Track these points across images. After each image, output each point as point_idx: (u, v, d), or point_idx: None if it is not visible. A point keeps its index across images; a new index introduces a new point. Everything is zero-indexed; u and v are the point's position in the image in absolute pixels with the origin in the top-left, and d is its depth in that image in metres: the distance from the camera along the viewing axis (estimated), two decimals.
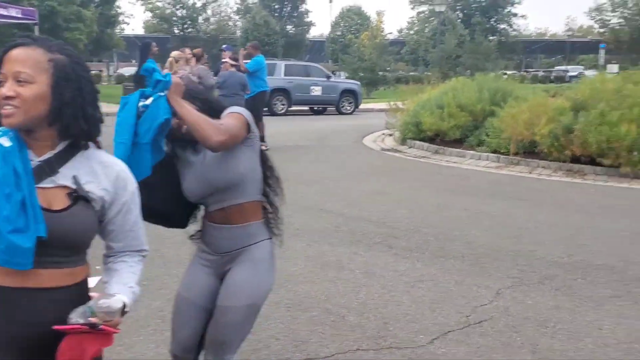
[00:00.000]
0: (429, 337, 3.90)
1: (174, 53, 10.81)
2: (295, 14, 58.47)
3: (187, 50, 10.99)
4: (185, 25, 55.32)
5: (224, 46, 12.81)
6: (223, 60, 11.53)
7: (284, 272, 5.05)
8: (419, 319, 4.18)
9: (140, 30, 65.79)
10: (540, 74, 52.23)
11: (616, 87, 10.03)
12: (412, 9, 65.18)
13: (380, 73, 35.41)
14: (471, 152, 11.41)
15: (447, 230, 6.42)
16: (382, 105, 18.72)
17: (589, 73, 35.72)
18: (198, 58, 10.87)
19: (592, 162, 9.62)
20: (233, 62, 11.22)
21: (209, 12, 58.26)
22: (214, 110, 2.44)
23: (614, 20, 65.28)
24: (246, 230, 2.51)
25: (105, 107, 1.95)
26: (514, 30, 67.02)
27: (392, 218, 6.86)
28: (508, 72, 50.59)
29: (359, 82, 25.83)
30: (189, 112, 2.22)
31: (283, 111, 21.50)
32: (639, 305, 4.45)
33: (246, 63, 11.77)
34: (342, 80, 27.75)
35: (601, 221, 6.85)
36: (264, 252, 2.56)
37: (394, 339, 3.88)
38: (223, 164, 2.41)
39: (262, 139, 12.21)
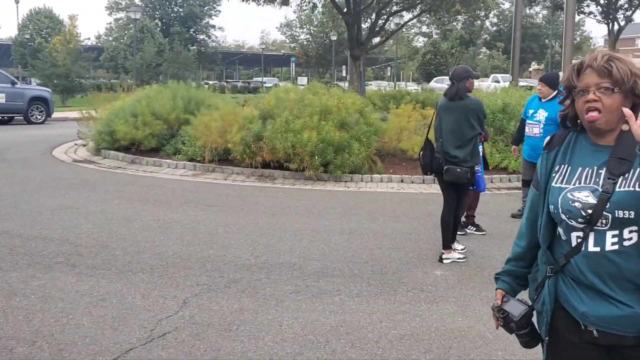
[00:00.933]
0: (109, 357, 3.67)
1: None
2: None
3: None
4: None
5: None
6: None
7: None
8: (99, 339, 3.91)
9: None
10: (240, 84, 54.68)
11: (298, 97, 10.86)
12: (110, 14, 63.00)
13: (77, 80, 33.32)
14: (168, 161, 11.32)
15: (136, 242, 6.20)
16: (77, 114, 17.56)
17: (283, 85, 38.47)
18: None
19: (281, 167, 10.28)
20: None
21: None
22: None
23: (302, 36, 71.64)
24: None
25: None
26: (213, 41, 69.11)
27: (77, 234, 6.39)
28: (210, 82, 52.05)
29: (49, 90, 23.86)
30: None
31: None
32: (315, 298, 4.80)
33: None
34: (31, 86, 25.38)
35: (285, 221, 7.32)
36: None
37: None
38: None
39: None
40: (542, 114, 7.22)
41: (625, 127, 1.92)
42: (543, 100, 7.28)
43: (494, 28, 70.59)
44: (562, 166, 2.06)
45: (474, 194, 6.82)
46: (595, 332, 1.98)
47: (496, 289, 2.30)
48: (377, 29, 21.83)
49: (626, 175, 1.89)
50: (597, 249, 1.92)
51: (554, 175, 2.07)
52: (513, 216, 7.67)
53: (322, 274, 5.40)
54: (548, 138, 2.20)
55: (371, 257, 5.93)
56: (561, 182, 2.03)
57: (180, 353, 3.77)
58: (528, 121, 7.39)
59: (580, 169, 2.00)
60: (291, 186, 9.80)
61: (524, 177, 7.74)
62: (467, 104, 5.70)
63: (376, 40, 23.79)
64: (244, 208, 8.02)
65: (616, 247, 1.90)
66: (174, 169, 10.99)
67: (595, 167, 1.97)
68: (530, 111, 7.37)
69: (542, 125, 7.21)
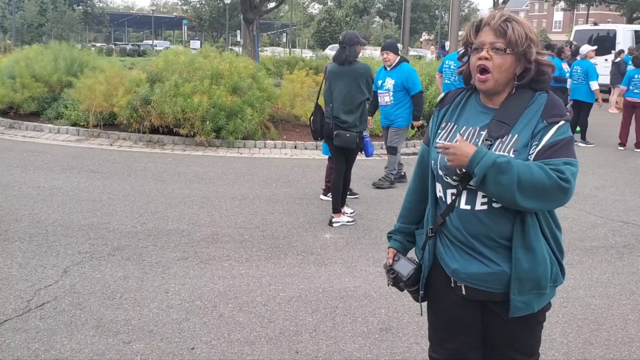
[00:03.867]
0: None
1: None
2: None
3: None
4: None
5: None
6: None
7: None
8: None
9: None
10: (129, 47, 52.32)
11: (188, 61, 10.55)
12: None
13: None
14: (50, 125, 10.69)
15: (13, 210, 5.85)
16: None
17: (174, 48, 37.26)
18: None
19: (171, 132, 9.99)
20: None
21: None
22: None
23: None
24: None
25: None
26: (100, 1, 65.64)
27: None
28: (97, 44, 49.46)
29: None
30: None
31: None
32: (204, 264, 4.75)
33: None
34: None
35: (174, 188, 7.15)
36: None
37: None
38: None
39: None
40: (389, 82, 7.46)
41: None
42: (388, 69, 7.49)
43: None
44: (449, 124, 2.11)
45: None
46: (463, 288, 2.07)
47: (388, 248, 2.36)
48: None
49: (504, 139, 1.95)
50: (468, 207, 2.00)
51: (439, 131, 2.12)
52: (374, 185, 7.65)
53: (211, 240, 5.35)
54: (442, 95, 2.23)
55: (262, 222, 5.93)
56: (444, 139, 2.08)
57: (60, 323, 3.62)
58: (379, 91, 7.56)
59: (464, 127, 2.05)
60: (181, 152, 9.57)
61: (386, 144, 7.87)
62: (356, 69, 5.77)
63: (271, 5, 23.50)
64: (130, 174, 7.75)
65: (485, 207, 1.98)
66: (56, 134, 10.41)
67: (478, 128, 2.02)
68: (379, 82, 7.57)
69: (391, 93, 7.45)
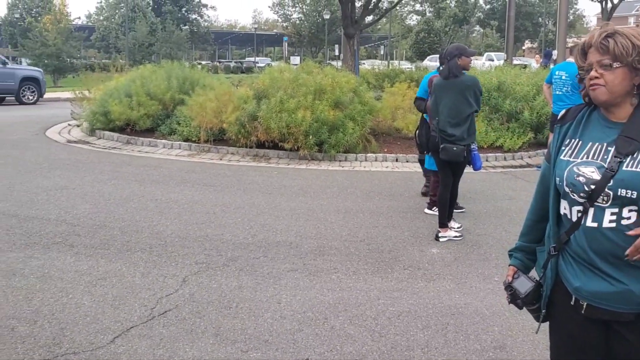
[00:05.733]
0: (110, 336, 3.71)
1: None
2: None
3: None
4: None
5: None
6: None
7: None
8: (100, 318, 3.95)
9: None
10: (232, 64, 54.34)
11: (292, 77, 10.83)
12: None
13: (68, 60, 33.06)
14: (163, 141, 11.30)
15: (134, 222, 6.23)
16: (70, 94, 17.47)
17: (276, 64, 38.29)
18: None
19: (276, 146, 10.29)
20: None
21: None
22: None
23: (295, 15, 71.18)
24: None
25: None
26: (205, 20, 68.57)
27: (74, 215, 6.40)
28: (202, 62, 51.73)
29: (41, 70, 23.67)
30: None
31: None
32: (313, 276, 4.85)
33: None
34: (22, 67, 25.21)
35: (281, 201, 7.35)
36: None
37: (71, 344, 3.60)
38: None
39: None
40: None
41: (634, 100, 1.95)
42: None
43: (488, 6, 70.28)
44: (573, 140, 2.07)
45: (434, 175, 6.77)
46: (585, 305, 2.02)
47: (509, 265, 2.34)
48: (371, 6, 21.67)
49: (635, 155, 1.90)
50: (595, 224, 1.95)
51: (563, 148, 2.09)
52: (423, 194, 7.58)
53: (318, 252, 5.45)
54: (563, 112, 2.21)
55: (367, 236, 5.97)
56: (569, 156, 2.05)
57: (181, 330, 3.82)
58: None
59: (590, 144, 2.01)
60: (286, 166, 9.81)
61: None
62: (463, 81, 5.71)
63: (370, 18, 23.64)
64: (239, 188, 8.04)
65: (614, 224, 1.92)
66: (170, 149, 10.98)
67: (605, 144, 1.97)
68: None
69: None
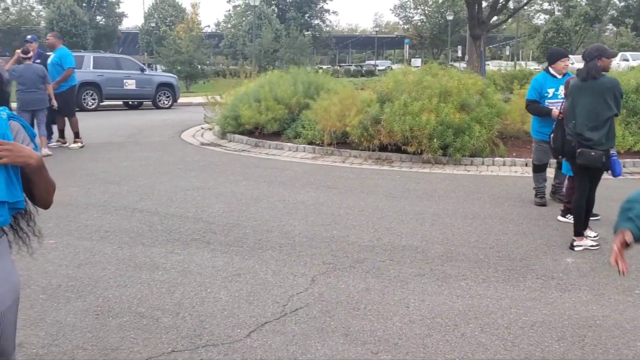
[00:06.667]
0: (246, 330, 3.88)
1: None
2: (105, 4, 55.58)
3: None
4: None
5: (28, 37, 11.70)
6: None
7: (92, 278, 4.76)
8: (236, 313, 4.15)
9: None
10: (353, 68, 54.78)
11: (417, 80, 10.76)
12: (228, 2, 65.11)
13: (199, 66, 34.88)
14: (289, 144, 11.63)
15: (264, 221, 6.46)
16: (202, 99, 18.44)
17: (396, 67, 38.14)
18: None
19: (398, 149, 10.27)
20: (23, 55, 10.34)
21: (9, 1, 53.63)
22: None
23: (417, 17, 70.63)
24: None
25: None
26: (327, 25, 69.71)
27: (209, 213, 6.75)
28: (323, 67, 52.64)
29: (176, 76, 25.15)
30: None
31: (94, 106, 20.29)
32: (441, 282, 4.80)
33: (50, 54, 11.04)
34: (158, 73, 26.89)
35: (405, 204, 7.32)
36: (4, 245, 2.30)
37: (211, 336, 3.80)
38: None
39: (76, 135, 11.44)
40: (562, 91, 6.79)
41: None
42: (560, 76, 7.10)
43: (622, 3, 65.88)
44: None
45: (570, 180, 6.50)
46: None
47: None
48: (498, 7, 21.05)
49: None
50: None
51: None
52: (536, 204, 7.40)
53: (446, 258, 5.38)
54: None
55: (497, 243, 5.82)
56: None
57: (312, 328, 3.92)
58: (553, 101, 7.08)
59: None
60: (409, 169, 9.76)
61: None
62: (602, 83, 5.43)
63: (496, 18, 22.98)
64: (363, 190, 8.11)
65: None
66: (295, 152, 11.28)
67: None
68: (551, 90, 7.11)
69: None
